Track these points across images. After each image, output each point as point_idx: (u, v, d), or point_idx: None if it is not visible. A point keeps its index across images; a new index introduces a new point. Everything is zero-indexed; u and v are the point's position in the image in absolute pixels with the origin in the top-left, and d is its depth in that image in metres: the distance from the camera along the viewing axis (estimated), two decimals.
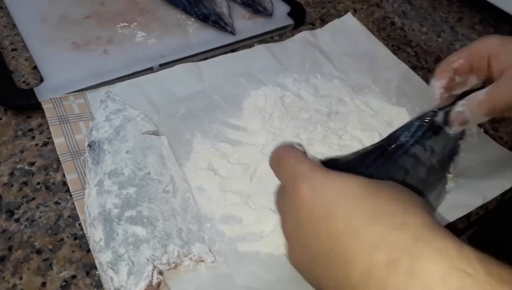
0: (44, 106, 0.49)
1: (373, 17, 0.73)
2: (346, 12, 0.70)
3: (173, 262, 0.38)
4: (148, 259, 0.37)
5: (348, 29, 0.67)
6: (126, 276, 0.36)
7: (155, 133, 0.47)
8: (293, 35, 0.66)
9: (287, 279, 0.39)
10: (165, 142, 0.46)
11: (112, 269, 0.36)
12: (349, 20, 0.68)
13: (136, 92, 0.53)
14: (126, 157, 0.43)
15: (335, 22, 0.68)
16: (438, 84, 0.43)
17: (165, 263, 0.38)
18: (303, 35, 0.65)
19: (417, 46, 0.68)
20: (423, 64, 0.65)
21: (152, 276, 0.36)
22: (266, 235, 0.41)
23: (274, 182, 0.33)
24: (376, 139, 0.51)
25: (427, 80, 0.59)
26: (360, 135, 0.51)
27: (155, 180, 0.42)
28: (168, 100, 0.53)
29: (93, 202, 0.40)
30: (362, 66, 0.61)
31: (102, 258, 0.37)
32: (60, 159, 0.45)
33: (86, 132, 0.47)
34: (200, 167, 0.46)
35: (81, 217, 0.42)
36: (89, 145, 0.45)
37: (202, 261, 0.39)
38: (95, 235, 0.39)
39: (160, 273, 0.37)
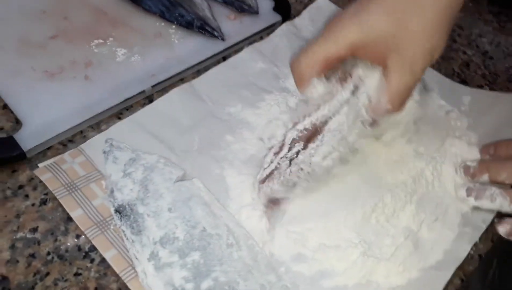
0: (42, 178, 0.41)
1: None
2: None
3: None
4: None
5: (324, 12, 0.64)
6: None
7: (185, 178, 0.41)
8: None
9: None
10: (201, 186, 0.41)
11: None
12: (323, 3, 0.66)
13: (138, 131, 0.46)
14: (171, 216, 0.37)
15: (310, 8, 0.65)
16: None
17: None
18: (285, 27, 0.61)
19: None
20: None
21: None
22: (350, 266, 0.39)
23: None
24: None
25: None
26: None
27: (214, 236, 0.37)
28: (177, 132, 0.47)
29: (155, 281, 0.34)
30: None
31: None
32: (88, 235, 0.38)
33: (102, 194, 0.41)
34: (245, 204, 0.42)
35: None
36: (118, 211, 0.38)
37: None
38: None
39: None
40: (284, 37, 0.60)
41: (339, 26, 0.39)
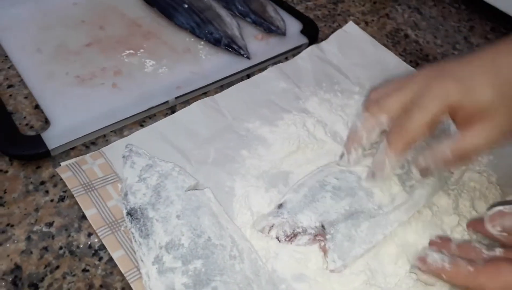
0: (63, 176, 0.43)
1: (385, 30, 0.70)
2: (358, 25, 0.67)
3: None
4: None
5: (352, 38, 0.65)
6: None
7: (197, 187, 0.43)
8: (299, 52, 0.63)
9: None
10: (212, 197, 0.42)
11: None
12: (352, 29, 0.67)
13: (157, 139, 0.48)
14: (178, 223, 0.38)
15: (339, 33, 0.66)
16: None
17: None
18: (311, 50, 0.62)
19: (434, 61, 0.66)
20: None
21: None
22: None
23: None
24: None
25: None
26: None
27: (218, 246, 0.37)
28: (195, 143, 0.48)
29: (157, 285, 0.35)
30: (376, 76, 0.59)
31: None
32: (99, 234, 0.40)
33: (117, 196, 0.42)
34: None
35: None
36: (129, 214, 0.39)
37: None
38: None
39: None
40: (308, 59, 0.61)
41: (441, 86, 0.38)
